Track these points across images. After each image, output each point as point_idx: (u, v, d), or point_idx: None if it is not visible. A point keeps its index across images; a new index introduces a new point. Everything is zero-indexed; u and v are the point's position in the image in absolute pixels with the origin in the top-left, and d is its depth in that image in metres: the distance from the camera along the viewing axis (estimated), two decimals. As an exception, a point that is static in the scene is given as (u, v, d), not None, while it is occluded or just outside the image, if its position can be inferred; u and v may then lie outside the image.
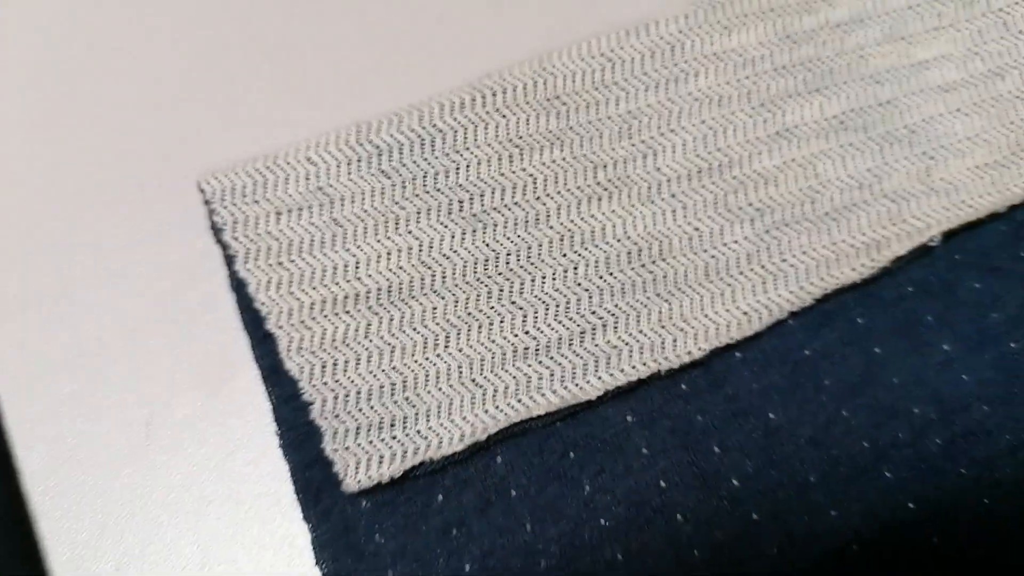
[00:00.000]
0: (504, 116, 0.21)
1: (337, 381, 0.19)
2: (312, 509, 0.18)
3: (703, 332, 0.19)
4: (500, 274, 0.20)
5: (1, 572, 0.19)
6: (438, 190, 0.20)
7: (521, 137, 0.21)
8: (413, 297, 0.19)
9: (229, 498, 0.19)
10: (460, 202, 0.20)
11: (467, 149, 0.20)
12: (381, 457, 0.18)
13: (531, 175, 0.20)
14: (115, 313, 0.20)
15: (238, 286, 0.20)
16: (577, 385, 0.19)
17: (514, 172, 0.20)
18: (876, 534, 0.18)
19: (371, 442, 0.18)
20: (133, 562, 0.19)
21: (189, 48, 0.22)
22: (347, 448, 0.18)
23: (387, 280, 0.20)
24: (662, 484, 0.18)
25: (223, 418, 0.20)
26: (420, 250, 0.20)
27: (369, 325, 0.19)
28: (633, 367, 0.19)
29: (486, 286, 0.20)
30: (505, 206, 0.20)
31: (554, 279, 0.20)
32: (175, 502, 0.19)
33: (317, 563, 0.18)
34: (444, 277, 0.20)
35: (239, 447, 0.19)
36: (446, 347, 0.19)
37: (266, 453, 0.19)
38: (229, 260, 0.20)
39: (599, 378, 0.19)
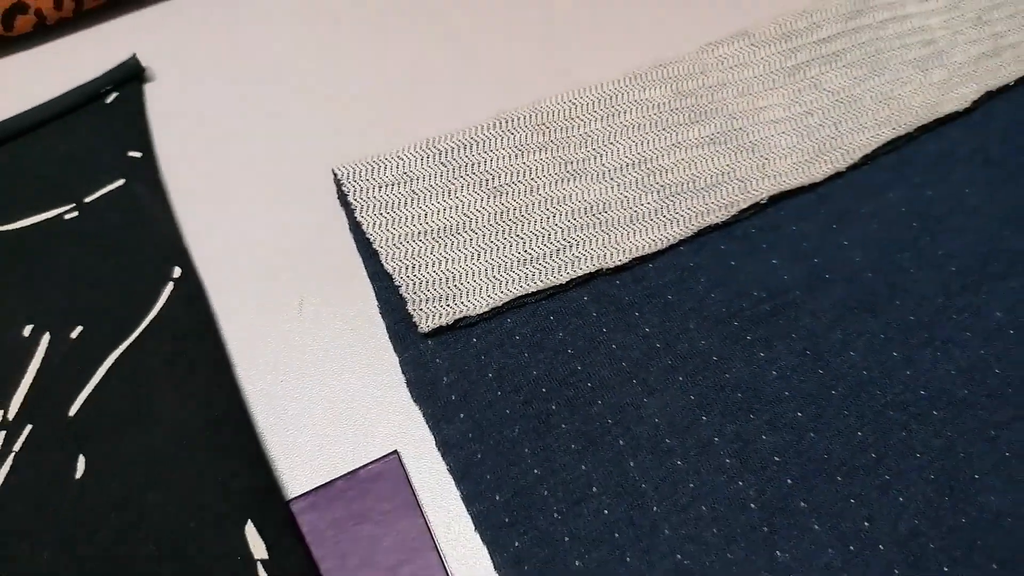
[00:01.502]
0: (512, 133, 0.35)
1: (415, 274, 0.32)
2: (400, 344, 0.31)
3: (629, 251, 0.33)
4: (510, 220, 0.33)
5: (215, 396, 0.31)
6: (474, 173, 0.34)
7: (521, 144, 0.35)
8: (458, 234, 0.33)
9: (352, 343, 0.32)
10: (486, 180, 0.34)
11: (491, 151, 0.35)
12: (440, 314, 0.31)
13: (528, 166, 0.35)
14: (280, 241, 0.34)
15: (355, 226, 0.34)
16: (554, 277, 0.32)
17: (517, 164, 0.35)
18: (714, 351, 0.31)
19: (434, 306, 0.31)
20: (292, 380, 0.31)
21: (328, 86, 0.37)
22: (420, 309, 0.31)
23: (443, 223, 0.33)
24: (604, 331, 0.31)
25: (346, 300, 0.33)
26: (462, 206, 0.34)
27: (433, 247, 0.33)
28: (587, 268, 0.32)
29: (501, 227, 0.33)
30: (512, 183, 0.34)
31: (541, 222, 0.33)
32: (320, 348, 0.32)
33: (403, 373, 0.31)
34: (476, 222, 0.33)
35: (357, 315, 0.32)
36: (477, 259, 0.33)
37: (372, 317, 0.32)
38: (350, 212, 0.34)
39: (567, 274, 0.32)
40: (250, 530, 0.27)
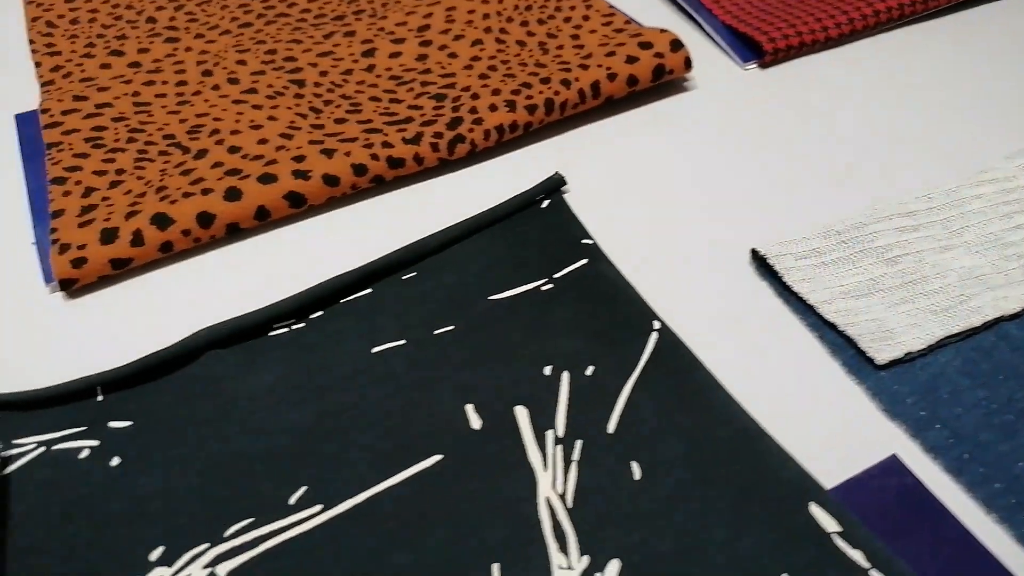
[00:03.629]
0: (889, 219, 0.44)
1: (853, 321, 0.40)
2: (857, 376, 0.38)
3: (1017, 300, 0.41)
4: (910, 282, 0.41)
5: (726, 414, 0.37)
6: (869, 249, 0.43)
7: (900, 227, 0.44)
8: (872, 293, 0.41)
9: (814, 377, 0.39)
10: (881, 253, 0.43)
11: (875, 232, 0.43)
12: (890, 351, 0.38)
13: (908, 242, 0.43)
14: (715, 303, 0.42)
15: (783, 289, 0.42)
16: (968, 321, 0.40)
17: (900, 241, 0.43)
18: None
19: (881, 345, 0.39)
20: (772, 407, 0.38)
21: (724, 186, 0.47)
22: (869, 346, 0.38)
23: (856, 285, 0.41)
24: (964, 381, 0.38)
25: (789, 347, 0.40)
26: (866, 272, 0.42)
27: (857, 302, 0.40)
28: (993, 315, 0.40)
29: (905, 288, 0.41)
30: (901, 255, 0.43)
31: (936, 282, 0.41)
32: (787, 383, 0.39)
33: (871, 398, 0.37)
34: (881, 283, 0.41)
35: (806, 357, 0.39)
36: (895, 310, 0.40)
37: (819, 357, 0.39)
38: (776, 276, 0.42)
39: (980, 318, 0.40)
40: (815, 509, 0.33)
